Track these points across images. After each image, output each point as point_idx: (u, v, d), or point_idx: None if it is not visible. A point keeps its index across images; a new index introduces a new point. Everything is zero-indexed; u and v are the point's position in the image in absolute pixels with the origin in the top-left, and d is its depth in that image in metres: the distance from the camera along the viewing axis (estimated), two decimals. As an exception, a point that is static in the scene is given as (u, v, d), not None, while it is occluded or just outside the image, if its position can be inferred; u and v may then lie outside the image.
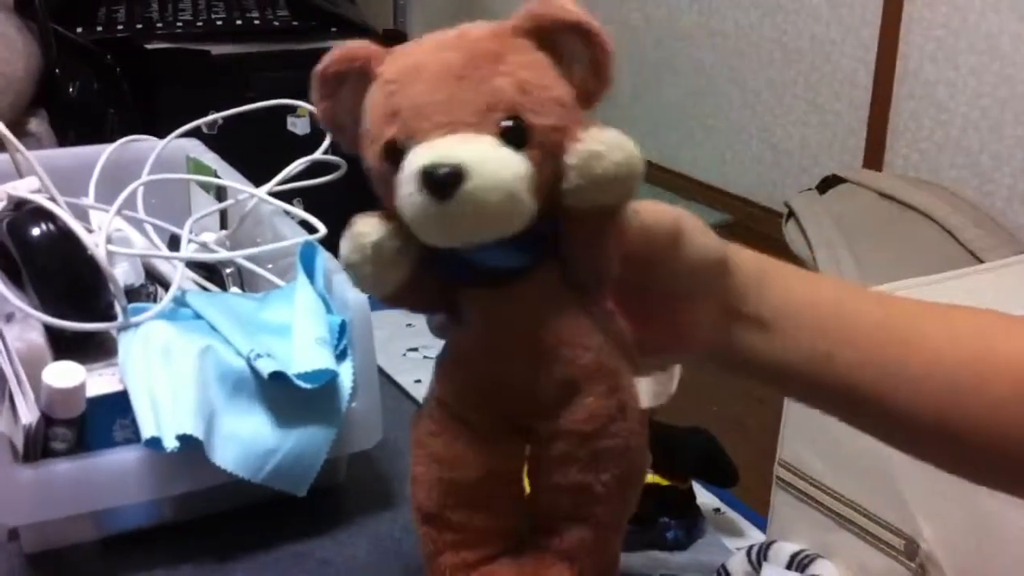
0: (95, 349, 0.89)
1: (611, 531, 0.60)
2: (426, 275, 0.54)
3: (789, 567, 0.97)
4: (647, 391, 0.58)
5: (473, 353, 0.56)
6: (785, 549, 0.98)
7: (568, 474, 0.56)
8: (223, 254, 1.03)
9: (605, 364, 0.55)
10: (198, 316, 0.90)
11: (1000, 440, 0.57)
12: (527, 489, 0.60)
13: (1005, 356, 0.57)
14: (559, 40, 0.52)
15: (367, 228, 0.53)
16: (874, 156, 2.82)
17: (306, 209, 1.05)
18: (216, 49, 2.78)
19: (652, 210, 0.55)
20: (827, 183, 2.61)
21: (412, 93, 0.51)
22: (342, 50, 0.54)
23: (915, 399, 0.57)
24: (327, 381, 0.84)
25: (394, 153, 0.51)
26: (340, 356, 0.87)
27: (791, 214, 2.52)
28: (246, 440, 0.82)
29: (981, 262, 2.08)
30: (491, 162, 0.48)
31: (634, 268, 0.55)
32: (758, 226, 3.12)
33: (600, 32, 0.53)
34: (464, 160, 0.48)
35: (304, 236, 0.98)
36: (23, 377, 0.83)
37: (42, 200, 0.91)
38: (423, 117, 0.50)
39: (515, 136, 0.50)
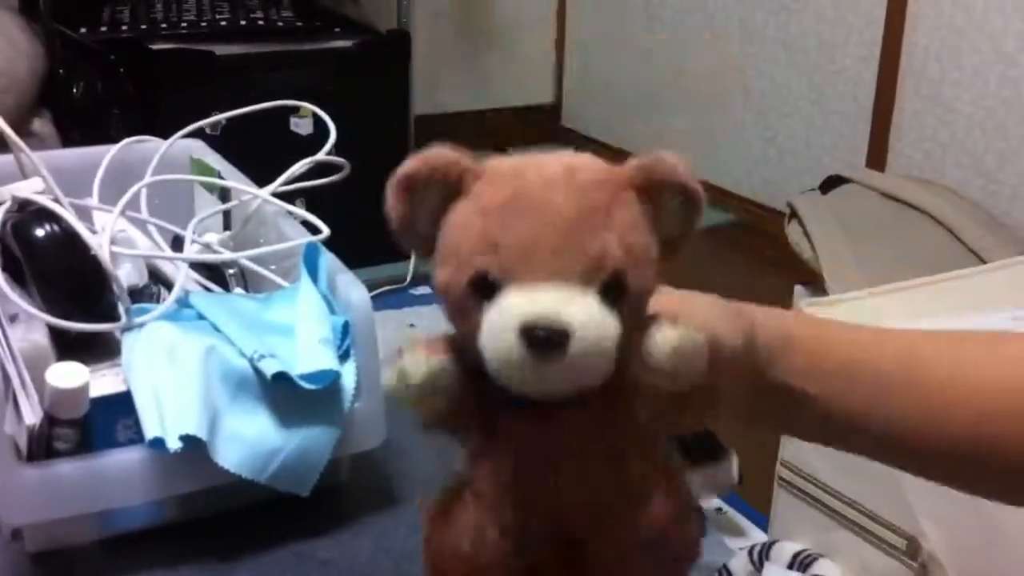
0: (98, 350, 0.90)
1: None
2: (471, 398, 0.53)
3: (791, 567, 0.97)
4: (701, 482, 0.58)
5: (519, 479, 0.55)
6: (787, 549, 0.98)
7: None
8: (226, 255, 1.03)
9: (662, 469, 0.55)
10: (201, 317, 0.90)
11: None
12: None
13: (1013, 378, 0.59)
14: (661, 196, 0.52)
15: (416, 363, 0.51)
16: (877, 156, 2.82)
17: (309, 210, 1.05)
18: (220, 49, 2.78)
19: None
20: (830, 183, 2.60)
21: (517, 231, 0.49)
22: (433, 157, 0.52)
23: (938, 435, 0.60)
24: (330, 382, 0.84)
25: (485, 286, 0.49)
26: (343, 357, 0.87)
27: (794, 214, 2.52)
28: (249, 440, 0.82)
29: (984, 262, 2.07)
30: (594, 327, 0.48)
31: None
32: (761, 226, 3.11)
33: (701, 197, 0.52)
34: (571, 323, 0.47)
35: (307, 237, 0.98)
36: (27, 377, 0.83)
37: (46, 201, 0.91)
38: (527, 261, 0.49)
39: (613, 296, 0.49)
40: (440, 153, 0.52)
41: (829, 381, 0.60)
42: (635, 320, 0.51)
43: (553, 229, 0.49)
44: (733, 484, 0.58)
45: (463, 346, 0.52)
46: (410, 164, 0.52)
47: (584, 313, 0.48)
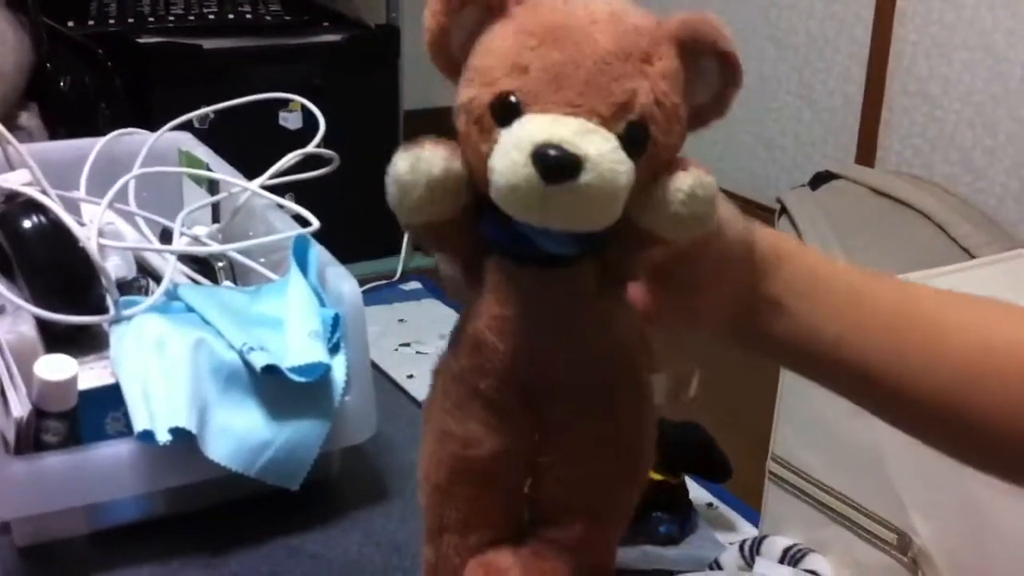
0: (87, 342, 0.89)
1: (612, 528, 0.59)
2: (466, 226, 0.53)
3: (782, 561, 0.97)
4: (661, 389, 0.57)
5: (499, 327, 0.55)
6: (778, 543, 0.98)
7: (577, 468, 0.56)
8: (215, 247, 1.03)
9: (628, 357, 0.55)
10: (190, 309, 0.90)
11: (1009, 427, 0.57)
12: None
13: (1013, 344, 0.58)
14: (700, 58, 0.51)
15: (434, 156, 0.50)
16: (867, 152, 2.82)
17: (298, 203, 1.05)
18: (208, 44, 2.76)
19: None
20: (819, 179, 2.60)
21: (550, 58, 0.48)
22: None
23: (926, 385, 0.58)
24: (320, 374, 0.84)
25: (506, 107, 0.48)
26: (333, 349, 0.87)
27: (783, 210, 2.52)
28: (239, 433, 0.82)
29: (973, 258, 2.08)
30: (609, 163, 0.47)
31: (666, 257, 0.55)
32: (751, 222, 3.12)
33: (740, 67, 0.52)
34: (586, 152, 0.46)
35: (297, 230, 0.98)
36: (14, 370, 0.83)
37: (33, 193, 0.90)
38: (555, 88, 0.48)
39: (635, 142, 0.48)
40: None
41: (819, 303, 0.58)
42: (652, 173, 0.50)
43: (587, 62, 0.48)
44: (691, 397, 0.58)
45: (472, 174, 0.51)
46: None
47: (601, 146, 0.47)
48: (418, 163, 0.50)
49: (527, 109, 0.48)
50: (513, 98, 0.48)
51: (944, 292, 0.62)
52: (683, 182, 0.49)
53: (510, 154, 0.47)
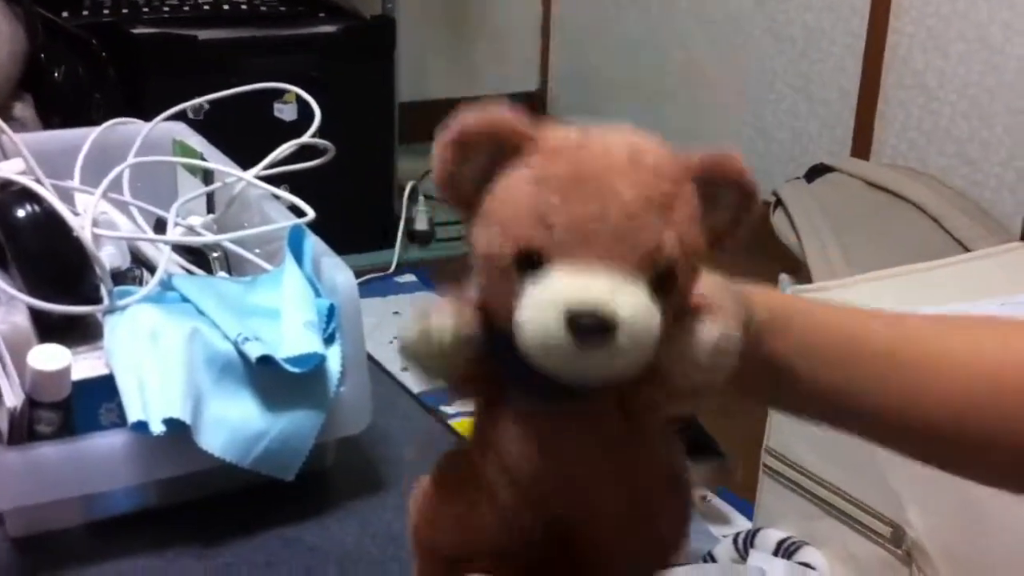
0: (80, 332, 0.89)
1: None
2: (482, 366, 0.53)
3: (776, 554, 0.97)
4: (703, 476, 0.58)
5: (520, 461, 0.54)
6: (772, 536, 0.98)
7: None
8: (210, 237, 1.02)
9: (668, 474, 0.55)
10: (185, 300, 0.89)
11: (1010, 443, 0.58)
12: None
13: (1017, 365, 0.59)
14: (718, 190, 0.52)
15: (444, 325, 0.50)
16: (862, 145, 2.82)
17: (293, 195, 1.04)
18: (203, 34, 2.76)
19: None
20: (815, 172, 2.60)
21: (574, 210, 0.48)
22: (488, 119, 0.50)
23: (925, 415, 0.60)
24: (315, 365, 0.84)
25: (531, 261, 0.48)
26: (328, 340, 0.86)
27: (779, 203, 2.52)
28: (234, 424, 0.82)
29: (968, 251, 2.08)
30: (642, 319, 0.47)
31: None
32: (746, 215, 3.11)
33: (757, 197, 0.52)
34: (619, 313, 0.46)
35: (292, 220, 0.97)
36: (8, 360, 0.82)
37: (27, 182, 0.90)
38: (582, 242, 0.47)
39: (663, 289, 0.48)
40: (500, 115, 0.50)
41: (817, 358, 0.60)
42: (677, 312, 0.50)
43: (613, 214, 0.48)
44: (735, 480, 0.59)
45: (490, 316, 0.51)
46: (468, 120, 0.50)
47: (633, 304, 0.47)
48: (428, 336, 0.50)
49: (554, 263, 0.48)
50: (538, 252, 0.48)
51: (935, 319, 0.64)
52: (710, 334, 0.50)
53: (543, 314, 0.46)
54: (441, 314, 0.51)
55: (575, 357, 0.46)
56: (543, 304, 0.47)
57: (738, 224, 0.53)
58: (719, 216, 0.52)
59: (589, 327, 0.46)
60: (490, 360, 0.52)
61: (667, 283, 0.49)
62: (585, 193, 0.48)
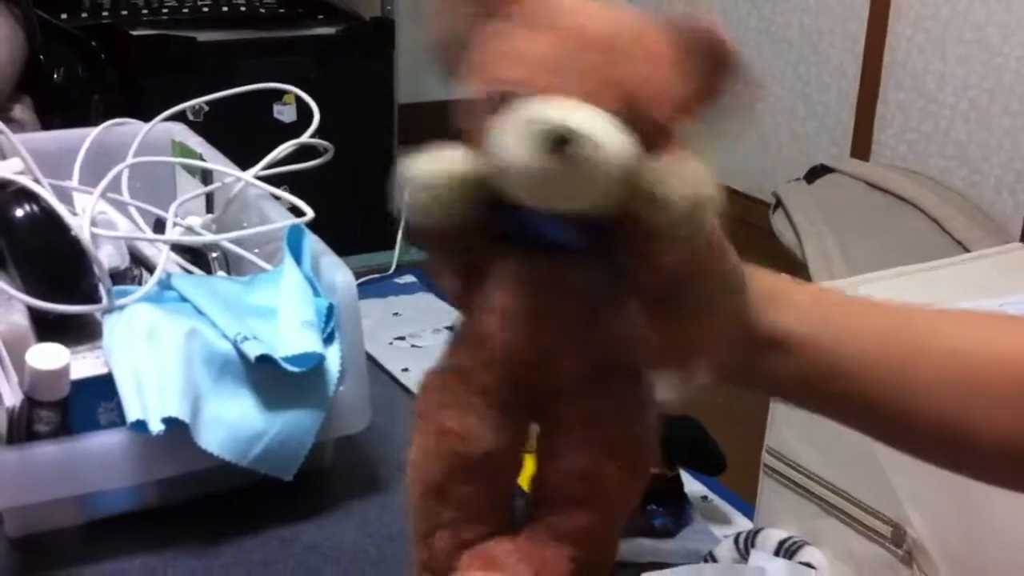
0: (79, 332, 0.89)
1: (614, 520, 0.59)
2: (472, 222, 0.53)
3: (776, 554, 0.97)
4: (664, 384, 0.57)
5: (502, 321, 0.54)
6: (772, 536, 0.98)
7: (581, 461, 0.56)
8: (209, 237, 1.02)
9: (636, 356, 0.55)
10: (184, 299, 0.89)
11: (1010, 440, 0.58)
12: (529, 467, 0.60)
13: (1008, 356, 0.59)
14: (695, 52, 0.52)
15: (454, 153, 0.51)
16: (862, 146, 2.82)
17: (292, 195, 1.04)
18: (202, 36, 2.76)
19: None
20: (815, 173, 2.61)
21: (546, 48, 0.50)
22: None
23: (926, 407, 0.59)
24: (314, 364, 0.83)
25: (507, 98, 0.49)
26: (327, 339, 0.86)
27: (779, 204, 2.52)
28: (232, 423, 0.81)
29: (968, 252, 2.08)
30: (605, 138, 0.48)
31: (667, 278, 0.55)
32: (746, 216, 3.12)
33: (735, 59, 0.52)
34: (580, 127, 0.47)
35: (291, 220, 0.97)
36: (6, 359, 0.82)
37: (26, 181, 0.90)
38: (550, 75, 0.49)
39: (632, 123, 0.49)
40: None
41: (819, 335, 0.59)
42: (651, 156, 0.50)
43: (582, 50, 0.49)
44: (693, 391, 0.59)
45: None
46: None
47: (597, 124, 0.48)
48: (439, 162, 0.51)
49: (527, 98, 0.49)
50: (512, 89, 0.49)
51: (939, 312, 0.63)
52: (677, 163, 0.50)
53: (509, 134, 0.48)
54: (449, 148, 0.52)
55: (540, 172, 0.47)
56: (511, 124, 0.48)
57: (714, 86, 0.53)
58: (695, 83, 0.52)
59: (552, 138, 0.47)
60: (478, 223, 0.53)
61: (639, 121, 0.49)
62: (557, 32, 0.50)
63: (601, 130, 0.48)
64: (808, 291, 0.61)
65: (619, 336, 0.55)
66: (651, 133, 0.50)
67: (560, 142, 0.47)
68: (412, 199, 0.51)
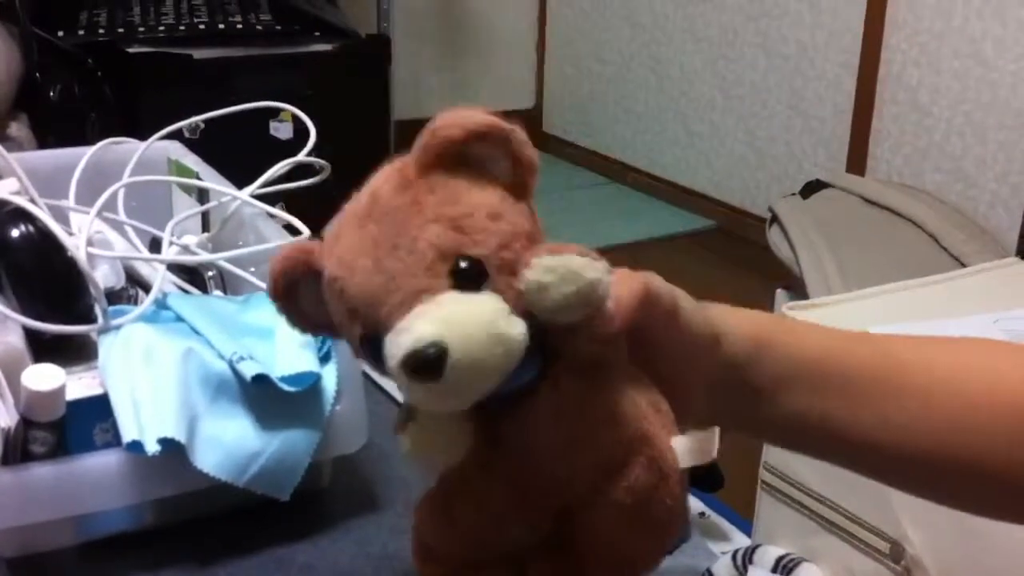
0: (75, 352, 0.89)
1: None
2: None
3: (775, 571, 0.96)
4: (685, 449, 0.56)
5: (499, 466, 0.54)
6: (770, 553, 0.98)
7: (610, 545, 0.55)
8: (205, 256, 1.02)
9: (641, 433, 0.54)
10: (179, 319, 0.89)
11: (999, 469, 0.58)
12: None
13: (1004, 389, 0.59)
14: (468, 152, 0.50)
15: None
16: (857, 161, 2.83)
17: (288, 214, 1.04)
18: (198, 53, 2.77)
19: (651, 286, 0.55)
20: (810, 188, 2.61)
21: (357, 285, 0.49)
22: (282, 257, 0.54)
23: (919, 445, 0.59)
24: (311, 384, 0.83)
25: (373, 346, 0.49)
26: (324, 359, 0.86)
27: (775, 219, 2.52)
28: (229, 443, 0.81)
29: (964, 266, 2.08)
30: (462, 324, 0.47)
31: (631, 345, 0.54)
32: (742, 231, 3.12)
33: (498, 128, 0.50)
34: (437, 335, 0.46)
35: (287, 238, 0.97)
36: (2, 380, 0.82)
37: (21, 201, 0.90)
38: (378, 306, 0.48)
39: (471, 276, 0.48)
40: (285, 249, 0.55)
41: (801, 384, 0.59)
42: (509, 278, 0.50)
43: (381, 263, 0.49)
44: (713, 455, 0.58)
45: None
46: (271, 268, 0.55)
47: (445, 318, 0.47)
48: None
49: (383, 336, 0.49)
50: (369, 339, 0.50)
51: (920, 340, 0.63)
52: (530, 275, 0.49)
53: (397, 380, 0.49)
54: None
55: (442, 393, 0.47)
56: (394, 373, 0.48)
57: (520, 161, 0.51)
58: (499, 168, 0.51)
59: (424, 367, 0.46)
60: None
61: (476, 268, 0.48)
62: (355, 263, 0.50)
63: (460, 318, 0.47)
64: (787, 338, 0.60)
65: (622, 417, 0.54)
66: (501, 258, 0.49)
67: (439, 364, 0.46)
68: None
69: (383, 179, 0.52)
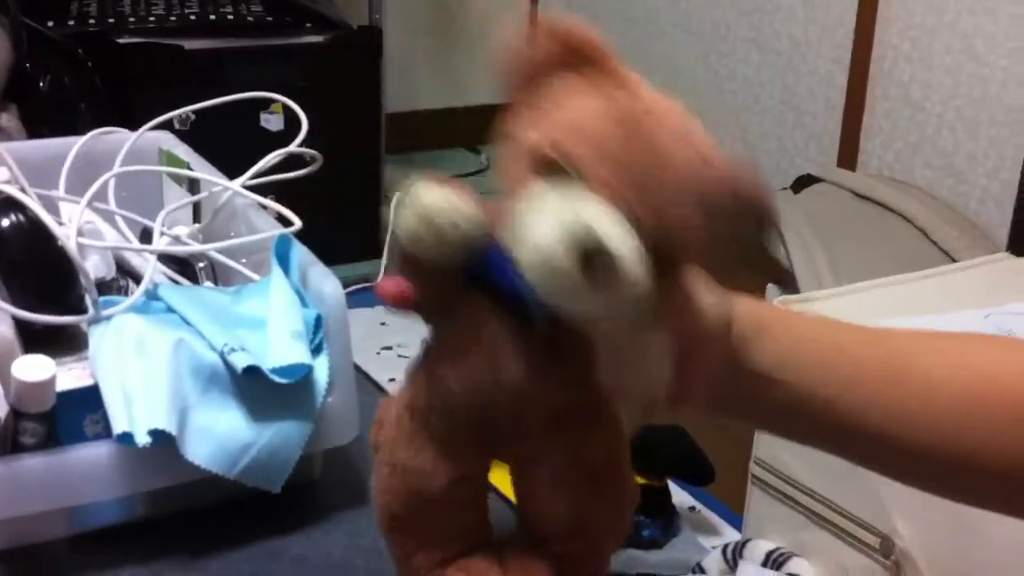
0: (65, 343, 0.88)
1: (604, 546, 0.59)
2: (455, 263, 0.52)
3: (765, 565, 0.96)
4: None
5: (463, 369, 0.54)
6: (760, 547, 0.98)
7: (563, 499, 0.55)
8: (196, 247, 1.02)
9: (597, 399, 0.54)
10: (171, 310, 0.89)
11: (1000, 461, 0.58)
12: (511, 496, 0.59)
13: (1004, 382, 0.59)
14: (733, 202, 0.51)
15: (465, 201, 0.50)
16: (848, 156, 2.83)
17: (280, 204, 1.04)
18: (189, 44, 2.76)
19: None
20: (802, 183, 2.61)
21: (609, 132, 0.48)
22: (571, 30, 0.51)
23: (918, 435, 0.58)
24: (302, 376, 0.83)
25: (556, 169, 0.47)
26: (316, 350, 0.86)
27: (766, 213, 2.51)
28: (220, 435, 0.81)
29: (954, 261, 2.08)
30: (637, 263, 0.46)
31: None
32: (733, 225, 3.12)
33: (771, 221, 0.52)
34: (624, 252, 0.46)
35: (279, 230, 0.97)
36: (-8, 371, 0.82)
37: (12, 191, 0.89)
38: (617, 181, 0.47)
39: (661, 260, 0.48)
40: (581, 30, 0.51)
41: (805, 369, 0.59)
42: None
43: (646, 154, 0.48)
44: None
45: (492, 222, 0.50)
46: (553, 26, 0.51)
47: (632, 248, 0.46)
48: (448, 199, 0.50)
49: (575, 177, 0.47)
50: (566, 163, 0.47)
51: (921, 334, 0.63)
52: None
53: (542, 219, 0.46)
54: (460, 194, 0.50)
55: (558, 275, 0.46)
56: (547, 211, 0.46)
57: (737, 241, 0.52)
58: (723, 227, 0.51)
59: (584, 247, 0.45)
60: (463, 259, 0.52)
61: (666, 260, 0.48)
62: (639, 137, 0.48)
63: (633, 257, 0.46)
64: (791, 324, 0.61)
65: (581, 384, 0.54)
66: (664, 264, 0.49)
67: (593, 255, 0.45)
68: (407, 223, 0.50)
69: (707, 135, 0.51)
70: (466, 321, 0.53)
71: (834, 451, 0.63)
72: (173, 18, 2.88)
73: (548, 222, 0.46)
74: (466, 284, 0.53)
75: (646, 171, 0.47)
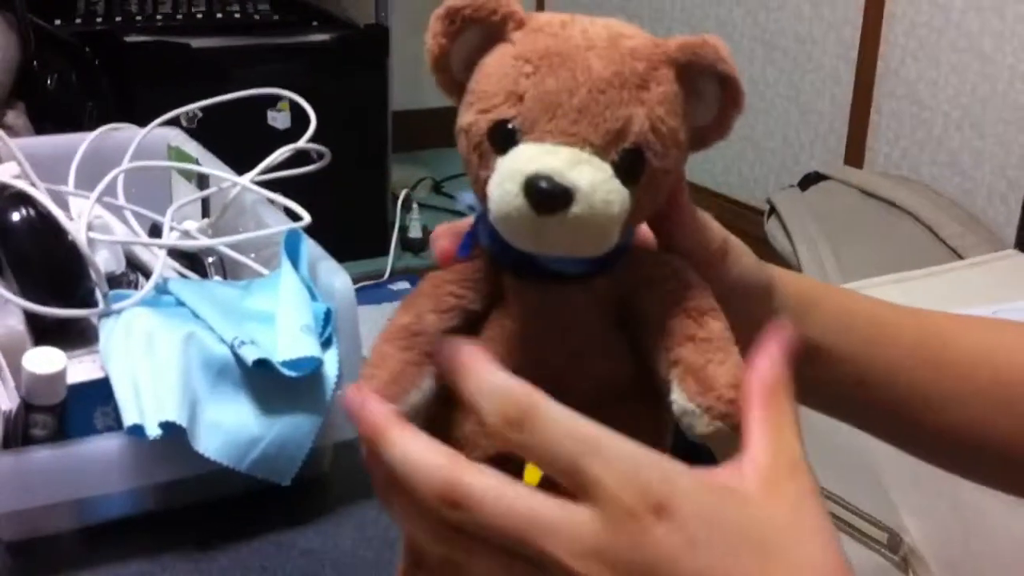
0: (76, 336, 0.89)
1: None
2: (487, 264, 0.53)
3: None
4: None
5: (506, 349, 0.53)
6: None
7: None
8: (205, 242, 1.02)
9: (637, 383, 0.54)
10: (180, 303, 0.89)
11: None
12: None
13: None
14: (699, 80, 0.51)
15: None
16: (855, 153, 2.83)
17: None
18: (196, 43, 2.76)
19: (700, 224, 0.55)
20: (808, 180, 2.61)
21: (545, 85, 0.49)
22: None
23: (955, 414, 0.59)
24: (312, 369, 0.83)
25: (503, 134, 0.49)
26: (325, 344, 0.86)
27: (773, 211, 2.52)
28: (230, 428, 0.81)
29: (961, 259, 2.08)
30: (601, 193, 0.47)
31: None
32: (740, 223, 3.12)
33: (741, 90, 0.52)
34: (577, 184, 0.46)
35: (288, 224, 0.97)
36: (3, 363, 0.82)
37: (22, 185, 0.90)
38: (549, 115, 0.48)
39: (630, 169, 0.48)
40: None
41: (847, 345, 0.59)
42: (652, 201, 0.51)
43: (582, 89, 0.48)
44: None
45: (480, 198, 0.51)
46: None
47: (592, 176, 0.47)
48: None
49: (523, 137, 0.48)
50: (510, 125, 0.49)
51: (956, 317, 0.63)
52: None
53: (503, 184, 0.47)
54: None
55: (535, 227, 0.47)
56: (506, 175, 0.47)
57: (723, 122, 0.52)
58: (703, 112, 0.52)
59: (545, 194, 0.46)
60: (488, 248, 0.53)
61: (636, 163, 0.49)
62: (558, 67, 0.49)
63: (602, 185, 0.47)
64: (835, 298, 0.61)
65: (626, 360, 0.54)
66: (657, 179, 0.50)
67: (558, 202, 0.46)
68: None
69: (634, 31, 0.52)
70: (504, 306, 0.54)
71: (867, 428, 0.63)
72: (180, 17, 2.89)
73: (507, 181, 0.47)
74: (500, 270, 0.54)
75: (572, 94, 0.48)
